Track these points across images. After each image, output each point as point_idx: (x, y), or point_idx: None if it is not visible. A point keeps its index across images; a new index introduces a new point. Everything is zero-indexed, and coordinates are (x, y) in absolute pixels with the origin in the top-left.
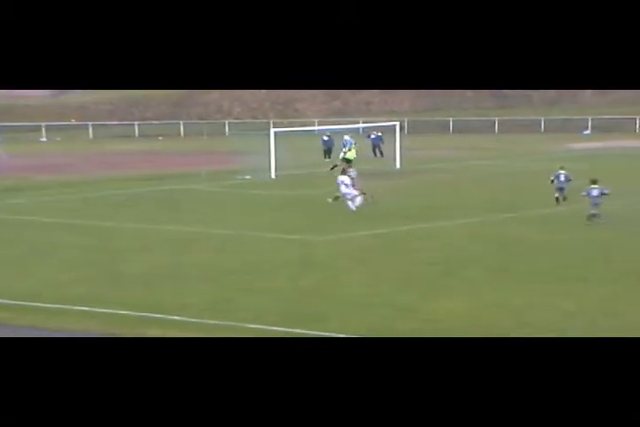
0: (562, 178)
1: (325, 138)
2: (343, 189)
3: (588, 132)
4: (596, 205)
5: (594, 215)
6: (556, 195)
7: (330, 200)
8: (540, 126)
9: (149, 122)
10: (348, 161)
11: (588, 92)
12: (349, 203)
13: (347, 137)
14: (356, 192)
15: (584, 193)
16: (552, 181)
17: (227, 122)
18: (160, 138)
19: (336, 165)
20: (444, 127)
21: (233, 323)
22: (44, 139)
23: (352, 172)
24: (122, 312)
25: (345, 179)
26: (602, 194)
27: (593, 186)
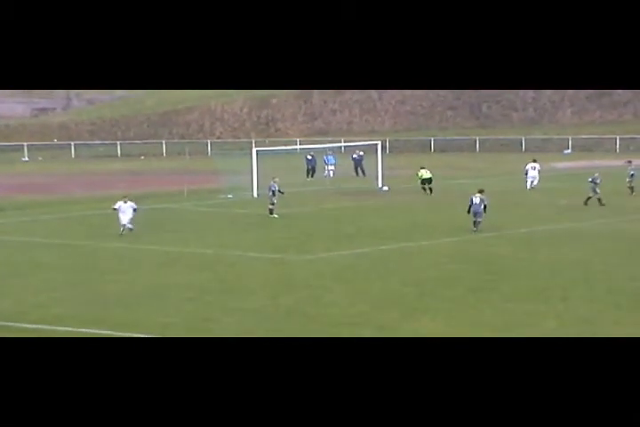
0: (598, 180)
1: (309, 157)
2: (130, 215)
3: (568, 151)
4: (478, 213)
5: (475, 223)
6: (590, 195)
7: None
8: (521, 146)
9: (131, 141)
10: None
11: (568, 111)
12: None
13: (329, 155)
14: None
15: (469, 201)
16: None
17: (209, 141)
18: (142, 157)
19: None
20: (425, 146)
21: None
22: (25, 159)
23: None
24: (103, 332)
25: (134, 204)
26: (483, 204)
27: (477, 194)
